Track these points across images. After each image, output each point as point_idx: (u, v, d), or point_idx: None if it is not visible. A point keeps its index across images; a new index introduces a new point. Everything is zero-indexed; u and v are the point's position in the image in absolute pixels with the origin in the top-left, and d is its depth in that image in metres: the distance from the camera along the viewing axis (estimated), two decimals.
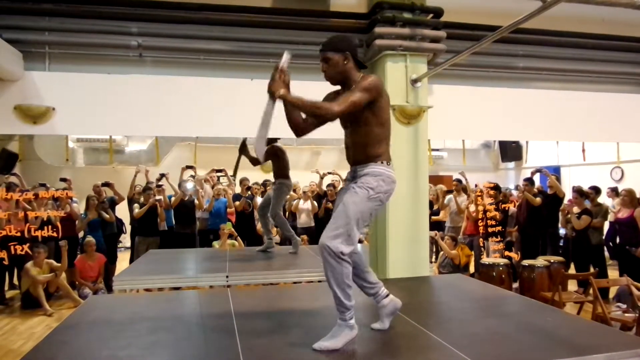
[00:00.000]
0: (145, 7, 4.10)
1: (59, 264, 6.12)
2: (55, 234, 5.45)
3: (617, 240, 6.71)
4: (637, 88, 5.39)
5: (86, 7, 4.04)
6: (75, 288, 6.45)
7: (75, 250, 6.82)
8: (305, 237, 7.16)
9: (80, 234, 7.02)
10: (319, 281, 4.42)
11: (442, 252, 6.74)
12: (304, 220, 7.71)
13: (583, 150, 7.58)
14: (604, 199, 7.60)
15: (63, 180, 7.31)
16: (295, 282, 4.40)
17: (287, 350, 2.37)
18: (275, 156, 5.15)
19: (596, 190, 6.98)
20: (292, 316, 2.98)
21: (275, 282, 4.43)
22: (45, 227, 5.45)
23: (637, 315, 4.17)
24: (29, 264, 5.94)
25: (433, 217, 7.66)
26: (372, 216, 2.53)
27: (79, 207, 7.30)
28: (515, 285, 6.02)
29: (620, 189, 7.24)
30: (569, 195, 7.25)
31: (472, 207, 7.20)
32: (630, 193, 6.15)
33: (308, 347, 2.38)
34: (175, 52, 4.25)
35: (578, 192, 6.65)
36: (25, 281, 6.00)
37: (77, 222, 6.84)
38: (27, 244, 5.21)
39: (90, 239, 6.60)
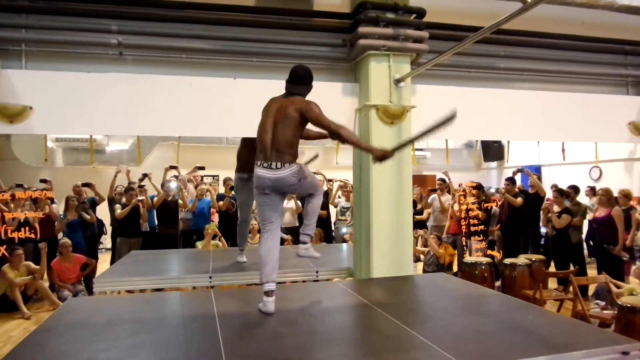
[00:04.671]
0: (125, 5, 4.03)
1: (38, 267, 6.00)
2: (33, 236, 5.35)
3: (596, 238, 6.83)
4: (616, 89, 5.49)
5: (64, 4, 3.94)
6: (55, 291, 6.33)
7: (55, 252, 6.70)
8: (289, 237, 7.13)
9: (60, 235, 6.90)
10: (303, 281, 4.41)
11: (428, 250, 6.79)
12: (287, 219, 7.69)
13: (563, 150, 7.71)
14: (582, 198, 7.73)
15: (43, 181, 7.17)
16: (279, 283, 4.37)
17: (271, 351, 2.35)
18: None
19: (575, 190, 7.10)
20: (275, 316, 2.96)
21: (259, 282, 4.40)
22: (23, 229, 5.34)
23: (615, 312, 4.25)
24: (5, 267, 5.82)
25: (416, 217, 7.71)
26: (260, 206, 3.20)
27: (58, 208, 7.17)
28: (498, 283, 6.09)
29: (598, 188, 7.37)
30: (549, 195, 7.35)
31: (456, 207, 7.26)
32: (607, 192, 6.24)
33: (292, 347, 2.36)
34: (156, 51, 4.17)
35: (558, 191, 6.75)
36: (1, 284, 5.87)
37: (56, 223, 6.72)
38: (4, 246, 5.10)
39: (65, 240, 6.48)
